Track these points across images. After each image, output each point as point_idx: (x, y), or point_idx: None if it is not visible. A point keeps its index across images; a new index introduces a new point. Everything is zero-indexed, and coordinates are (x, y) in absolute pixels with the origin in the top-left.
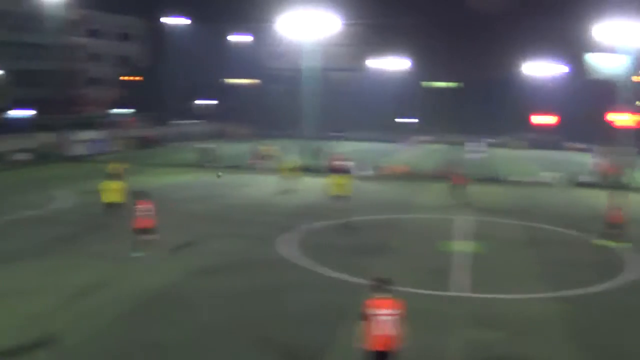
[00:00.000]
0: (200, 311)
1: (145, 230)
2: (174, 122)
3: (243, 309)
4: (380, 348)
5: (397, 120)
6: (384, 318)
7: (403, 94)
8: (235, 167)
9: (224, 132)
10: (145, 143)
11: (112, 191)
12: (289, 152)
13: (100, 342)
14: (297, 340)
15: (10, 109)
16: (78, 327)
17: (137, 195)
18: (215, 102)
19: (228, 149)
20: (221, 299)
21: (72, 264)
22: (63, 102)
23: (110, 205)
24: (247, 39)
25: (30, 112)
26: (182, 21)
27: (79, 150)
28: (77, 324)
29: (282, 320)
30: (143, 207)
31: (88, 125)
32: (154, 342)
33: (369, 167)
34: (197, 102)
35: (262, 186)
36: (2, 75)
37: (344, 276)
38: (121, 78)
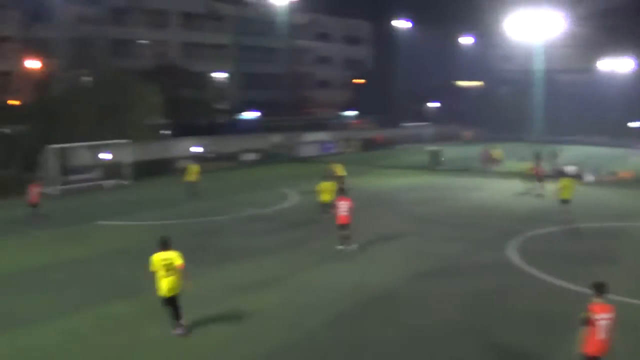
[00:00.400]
0: (420, 313)
1: (343, 226)
2: (402, 124)
3: (464, 312)
4: (598, 353)
5: (629, 124)
6: (603, 323)
7: (636, 97)
8: (464, 170)
9: (455, 134)
10: (373, 145)
11: (327, 192)
12: (517, 155)
13: (318, 340)
14: (519, 345)
15: (241, 110)
16: (297, 324)
17: (340, 192)
18: (440, 104)
19: (456, 151)
20: (442, 301)
21: (292, 260)
22: (291, 104)
23: (325, 205)
24: (471, 40)
25: (258, 114)
26: (408, 24)
27: (307, 151)
28: (297, 321)
29: (504, 326)
30: (343, 204)
31: (316, 127)
32: (373, 342)
33: (594, 172)
34: (425, 104)
35: (490, 189)
36: (227, 78)
37: (568, 284)
38: (353, 81)
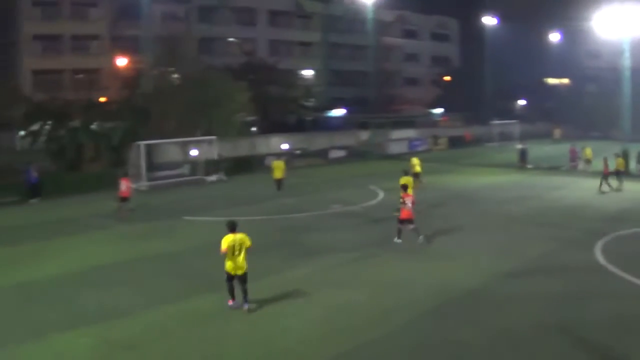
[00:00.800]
0: (502, 313)
1: (406, 221)
2: (490, 122)
3: (547, 313)
4: None
5: None
6: None
7: None
8: (552, 168)
9: (544, 132)
10: (461, 143)
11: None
12: (606, 154)
13: (402, 338)
14: (602, 348)
15: (328, 108)
16: (382, 321)
17: (403, 188)
18: (527, 102)
19: (544, 150)
20: (525, 302)
21: (377, 258)
22: (379, 101)
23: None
24: (558, 37)
25: (346, 111)
26: (495, 21)
27: (395, 148)
28: (382, 318)
29: (587, 327)
30: (407, 199)
31: (404, 124)
32: (457, 341)
33: None
34: (513, 102)
35: (579, 189)
36: (314, 75)
37: None
38: (443, 78)
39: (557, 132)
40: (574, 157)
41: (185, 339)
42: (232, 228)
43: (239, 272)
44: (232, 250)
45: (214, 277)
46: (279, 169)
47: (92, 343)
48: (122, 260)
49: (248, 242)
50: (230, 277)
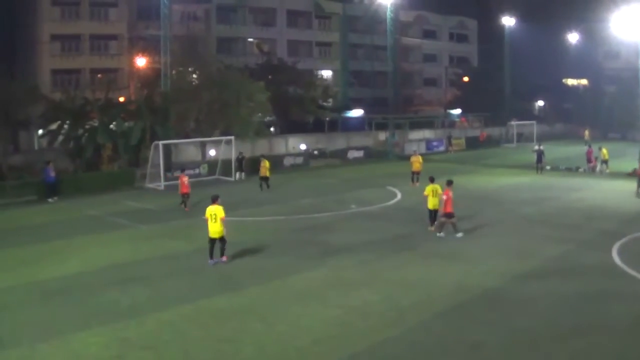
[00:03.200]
0: (519, 314)
1: (447, 215)
2: (510, 122)
3: (564, 315)
4: None
5: None
6: None
7: None
8: (568, 169)
9: (563, 133)
10: (479, 143)
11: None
12: (626, 156)
13: (418, 338)
14: (619, 349)
15: (346, 108)
16: (397, 321)
17: (448, 183)
18: (545, 102)
19: (561, 151)
20: (542, 303)
21: (394, 258)
22: (398, 102)
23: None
24: (576, 37)
25: (363, 112)
26: (513, 21)
27: (413, 149)
28: (397, 318)
29: (604, 329)
30: (446, 195)
31: (422, 125)
32: (472, 341)
33: None
34: (531, 102)
35: (594, 190)
36: (333, 75)
37: None
38: (462, 79)
39: (587, 134)
40: (590, 158)
41: (201, 339)
42: (214, 200)
43: (216, 236)
44: (212, 219)
45: (231, 277)
46: (264, 167)
47: (108, 342)
48: (139, 259)
49: (222, 214)
50: (211, 240)
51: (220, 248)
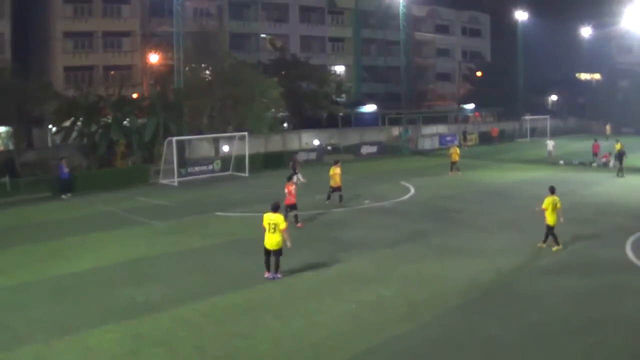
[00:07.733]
0: (531, 309)
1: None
2: (524, 117)
3: (576, 310)
4: None
5: None
6: None
7: None
8: (583, 163)
9: (576, 128)
10: (492, 138)
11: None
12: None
13: (431, 333)
14: (630, 345)
15: (360, 103)
16: (411, 316)
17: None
18: (558, 97)
19: (577, 145)
20: (554, 298)
21: (408, 253)
22: (411, 97)
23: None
24: (589, 32)
25: (376, 107)
26: (526, 15)
27: (426, 144)
28: (411, 313)
29: (616, 325)
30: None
31: (435, 120)
32: (485, 336)
33: None
34: (545, 97)
35: (611, 185)
36: (346, 71)
37: None
38: (475, 74)
39: (609, 128)
40: (596, 152)
41: (216, 335)
42: (274, 208)
43: (273, 248)
44: (270, 228)
45: (246, 273)
46: (336, 174)
47: (122, 338)
48: (154, 255)
49: (283, 224)
50: (267, 252)
51: (275, 262)
